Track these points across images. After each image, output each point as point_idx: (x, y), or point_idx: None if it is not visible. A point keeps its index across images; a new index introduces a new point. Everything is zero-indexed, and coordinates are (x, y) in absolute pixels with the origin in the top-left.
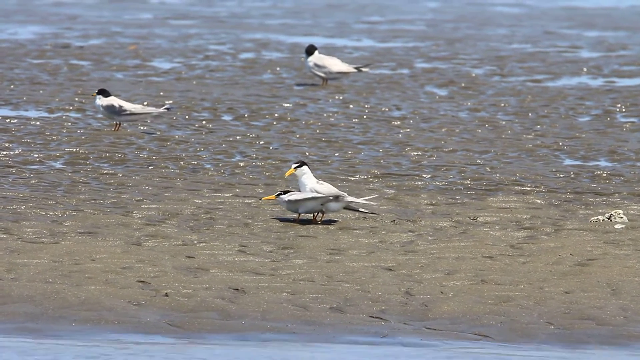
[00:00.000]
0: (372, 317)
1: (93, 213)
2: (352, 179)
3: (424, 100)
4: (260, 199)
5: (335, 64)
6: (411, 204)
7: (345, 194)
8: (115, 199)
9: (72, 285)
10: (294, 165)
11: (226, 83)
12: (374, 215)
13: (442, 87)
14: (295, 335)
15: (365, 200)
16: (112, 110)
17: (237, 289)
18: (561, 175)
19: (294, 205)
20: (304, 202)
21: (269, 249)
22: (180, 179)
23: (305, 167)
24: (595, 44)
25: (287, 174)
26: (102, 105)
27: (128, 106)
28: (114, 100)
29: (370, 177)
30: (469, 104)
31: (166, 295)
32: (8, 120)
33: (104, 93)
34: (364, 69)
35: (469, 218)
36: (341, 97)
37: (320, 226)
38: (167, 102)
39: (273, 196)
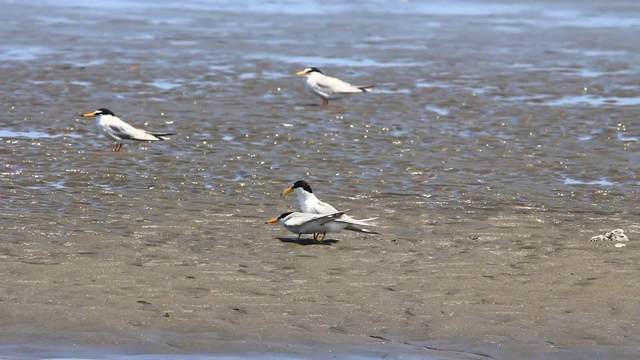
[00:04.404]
0: (373, 337)
1: (94, 233)
2: (353, 198)
3: (425, 120)
4: (265, 222)
5: (338, 84)
6: (412, 223)
7: (345, 214)
8: (115, 219)
9: (73, 305)
10: (292, 186)
11: (227, 103)
12: (374, 235)
13: (442, 106)
14: (296, 356)
15: (366, 222)
16: (115, 132)
17: (238, 309)
18: (562, 195)
19: (294, 228)
20: (304, 224)
21: (269, 269)
22: (181, 199)
23: (301, 188)
24: (596, 63)
25: (284, 192)
26: (104, 126)
27: (131, 131)
28: (116, 122)
29: (371, 197)
30: (469, 123)
31: (167, 315)
32: (9, 141)
33: (106, 113)
34: (368, 90)
35: (470, 237)
36: (342, 117)
37: (320, 246)
38: (167, 123)
39: (275, 219)
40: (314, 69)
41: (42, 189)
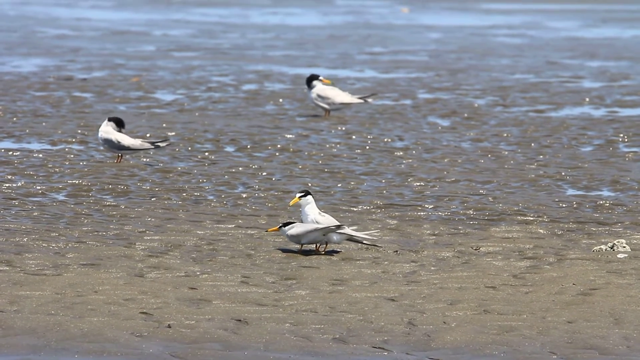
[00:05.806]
0: (375, 347)
1: (96, 245)
2: (355, 209)
3: (427, 131)
4: (266, 231)
5: (339, 95)
6: (414, 234)
7: (346, 226)
8: (117, 230)
9: (75, 317)
10: (298, 195)
11: (229, 114)
12: (376, 246)
13: (444, 117)
14: None
15: (367, 234)
16: (111, 144)
17: (240, 320)
18: (564, 205)
19: (296, 237)
20: (306, 234)
21: (271, 280)
22: (183, 210)
23: (309, 197)
24: (598, 74)
25: (291, 203)
26: (102, 138)
27: (127, 141)
28: (112, 134)
29: (373, 208)
30: (471, 134)
31: (169, 326)
32: (11, 152)
33: (119, 123)
34: (369, 100)
35: (472, 248)
36: (344, 128)
37: (322, 257)
38: (169, 134)
39: (276, 228)
40: (313, 76)
41: (44, 200)
